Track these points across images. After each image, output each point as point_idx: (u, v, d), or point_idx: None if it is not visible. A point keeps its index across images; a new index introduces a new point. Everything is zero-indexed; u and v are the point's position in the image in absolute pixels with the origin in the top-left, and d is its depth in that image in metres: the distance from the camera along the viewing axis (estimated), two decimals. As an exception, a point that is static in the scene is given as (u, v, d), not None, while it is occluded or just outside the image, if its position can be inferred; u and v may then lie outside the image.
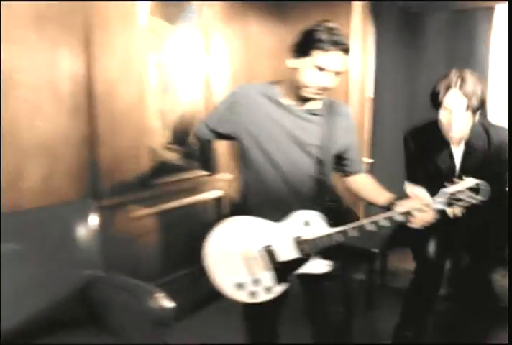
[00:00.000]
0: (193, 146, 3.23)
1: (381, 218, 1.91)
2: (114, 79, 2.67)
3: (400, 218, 1.91)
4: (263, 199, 2.05)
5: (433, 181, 2.19)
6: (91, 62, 2.54)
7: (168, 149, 3.08)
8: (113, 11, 2.64)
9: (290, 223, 1.98)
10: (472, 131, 2.43)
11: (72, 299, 2.20)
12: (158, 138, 3.00)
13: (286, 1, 3.91)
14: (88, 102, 2.56)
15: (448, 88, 2.30)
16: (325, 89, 1.91)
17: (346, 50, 1.88)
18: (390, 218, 1.91)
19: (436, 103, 2.36)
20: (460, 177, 2.02)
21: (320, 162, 2.03)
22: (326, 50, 1.84)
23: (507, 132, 2.50)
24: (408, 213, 1.90)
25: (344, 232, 1.92)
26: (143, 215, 2.91)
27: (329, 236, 1.93)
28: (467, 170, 2.41)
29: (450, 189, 1.92)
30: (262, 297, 1.98)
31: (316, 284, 2.12)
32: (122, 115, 2.73)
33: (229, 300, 2.05)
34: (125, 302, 2.15)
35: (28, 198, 2.34)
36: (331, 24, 1.88)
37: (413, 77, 4.52)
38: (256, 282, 1.98)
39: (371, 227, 1.91)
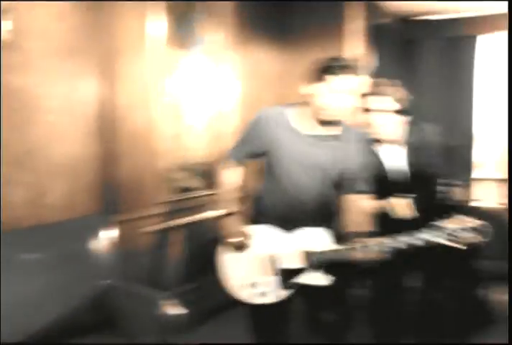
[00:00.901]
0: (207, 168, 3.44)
1: (385, 242, 2.04)
2: (132, 104, 2.90)
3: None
4: (275, 213, 2.23)
5: (384, 187, 2.39)
6: (112, 88, 2.78)
7: (180, 168, 3.29)
8: (131, 42, 2.87)
9: (299, 235, 2.17)
10: (408, 133, 2.56)
11: (90, 306, 2.37)
12: (171, 159, 3.21)
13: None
14: (109, 125, 2.78)
15: (371, 93, 2.43)
16: (341, 110, 2.07)
17: (355, 72, 2.05)
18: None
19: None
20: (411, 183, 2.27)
21: (328, 184, 2.20)
22: (337, 74, 2.03)
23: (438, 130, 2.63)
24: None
25: (347, 250, 2.07)
26: (156, 229, 3.10)
27: (334, 251, 2.10)
28: (414, 172, 2.54)
29: (449, 225, 1.99)
30: (270, 298, 2.17)
31: (316, 295, 2.26)
32: (139, 137, 2.95)
33: (239, 309, 2.23)
34: (139, 309, 2.35)
35: (52, 212, 2.54)
36: (338, 56, 2.15)
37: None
38: (264, 284, 2.17)
39: (375, 248, 2.04)
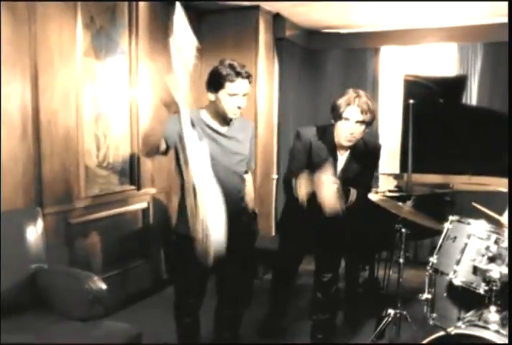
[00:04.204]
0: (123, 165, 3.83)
1: None
2: (56, 109, 3.22)
3: None
4: None
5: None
6: (37, 95, 3.10)
7: (101, 167, 3.65)
8: (55, 53, 3.20)
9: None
10: (357, 142, 2.88)
11: (22, 286, 2.69)
12: (93, 158, 3.57)
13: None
14: (34, 128, 3.10)
15: (348, 104, 2.74)
16: (239, 108, 2.56)
17: (247, 77, 2.52)
18: None
19: (336, 115, 2.79)
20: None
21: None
22: (232, 81, 2.48)
23: (379, 146, 3.07)
24: None
25: None
26: (79, 222, 3.46)
27: None
28: (345, 174, 2.91)
29: None
30: None
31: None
32: (62, 138, 3.28)
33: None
34: (66, 286, 2.69)
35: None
36: (230, 61, 2.53)
37: (314, 106, 5.36)
38: None
39: None
